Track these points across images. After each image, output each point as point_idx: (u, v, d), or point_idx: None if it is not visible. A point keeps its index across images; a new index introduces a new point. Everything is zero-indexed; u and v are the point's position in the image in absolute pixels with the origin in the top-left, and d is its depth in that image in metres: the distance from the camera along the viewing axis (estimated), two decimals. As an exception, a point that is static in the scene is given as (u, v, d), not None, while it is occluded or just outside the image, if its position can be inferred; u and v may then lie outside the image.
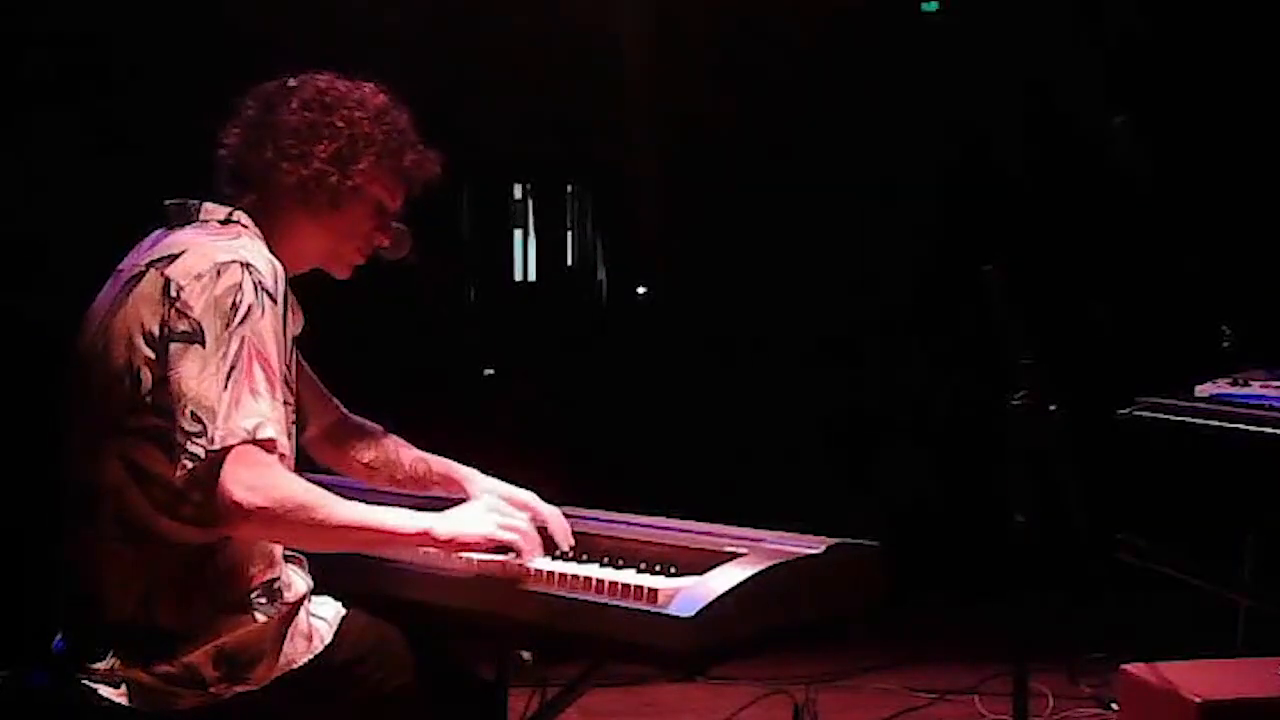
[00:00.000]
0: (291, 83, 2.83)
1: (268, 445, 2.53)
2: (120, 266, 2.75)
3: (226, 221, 2.73)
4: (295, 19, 5.31)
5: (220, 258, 2.60)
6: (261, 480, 2.52)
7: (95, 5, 5.34)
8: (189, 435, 2.51)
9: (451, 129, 6.07)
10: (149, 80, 5.22)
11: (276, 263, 2.67)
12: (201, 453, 2.50)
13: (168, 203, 2.77)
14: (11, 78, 5.23)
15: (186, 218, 2.74)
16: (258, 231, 2.74)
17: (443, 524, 2.73)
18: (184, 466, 2.51)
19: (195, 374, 2.52)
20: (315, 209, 2.79)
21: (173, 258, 2.63)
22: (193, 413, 2.51)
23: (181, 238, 2.69)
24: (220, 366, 2.52)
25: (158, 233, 2.76)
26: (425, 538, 2.72)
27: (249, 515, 2.50)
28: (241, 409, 2.51)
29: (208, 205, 2.75)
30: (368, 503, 2.74)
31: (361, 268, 2.97)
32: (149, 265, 2.65)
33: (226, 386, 2.51)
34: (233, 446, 2.49)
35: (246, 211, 2.76)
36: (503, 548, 2.76)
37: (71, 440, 2.69)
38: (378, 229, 2.88)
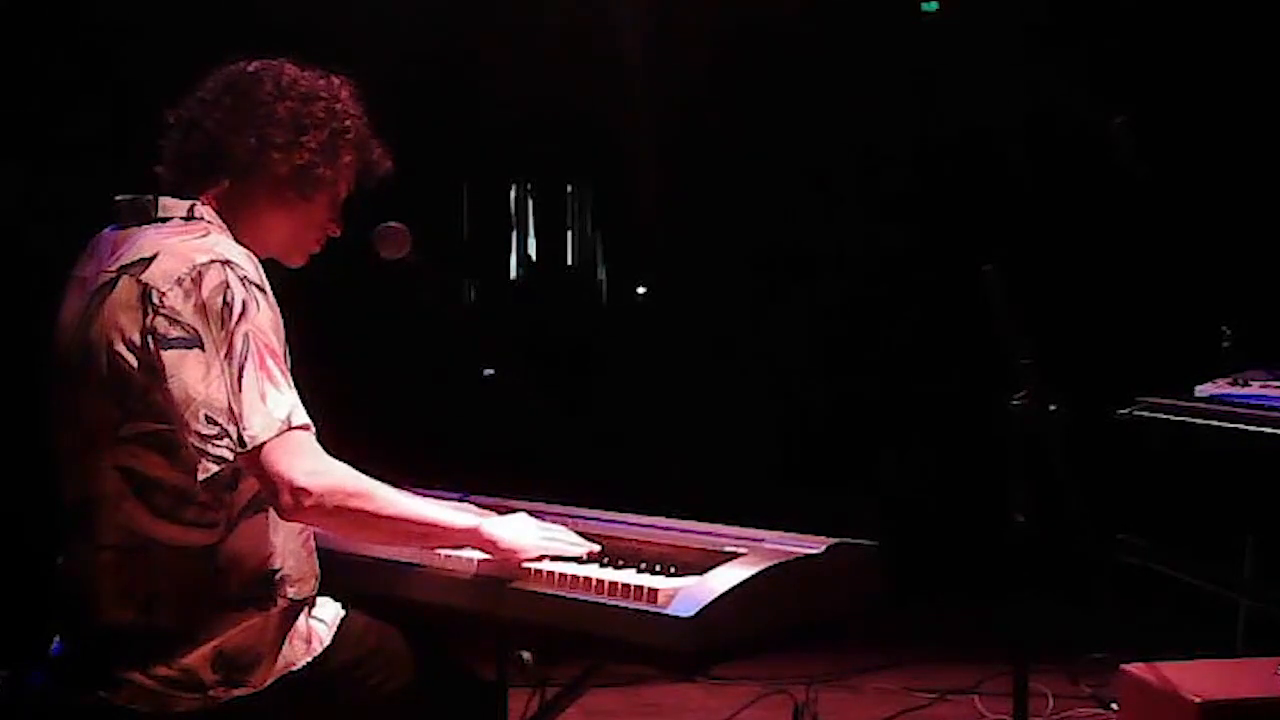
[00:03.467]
0: (252, 67, 2.78)
1: (306, 430, 2.53)
2: (81, 274, 2.69)
3: (189, 218, 2.68)
4: (294, 18, 5.30)
5: (198, 259, 2.56)
6: (319, 464, 2.52)
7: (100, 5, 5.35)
8: (207, 439, 2.49)
9: (451, 129, 6.11)
10: (149, 74, 5.22)
11: (252, 255, 2.65)
12: (229, 454, 2.49)
13: (118, 199, 2.71)
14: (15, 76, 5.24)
15: (143, 215, 2.68)
16: (222, 225, 2.70)
17: (490, 525, 2.76)
18: (206, 469, 2.49)
19: (200, 378, 2.51)
20: (287, 198, 2.75)
21: (145, 262, 2.58)
22: (207, 416, 2.49)
23: (147, 239, 2.63)
24: (226, 367, 2.51)
25: (109, 233, 2.71)
26: (474, 534, 2.73)
27: (317, 498, 2.50)
28: (269, 402, 2.50)
29: (165, 200, 2.69)
30: None
31: (361, 267, 2.97)
32: (120, 271, 2.59)
33: (240, 385, 2.50)
34: (271, 439, 2.48)
35: (212, 200, 2.71)
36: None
37: (61, 455, 2.66)
38: (332, 219, 2.85)
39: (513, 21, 6.13)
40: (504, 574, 2.74)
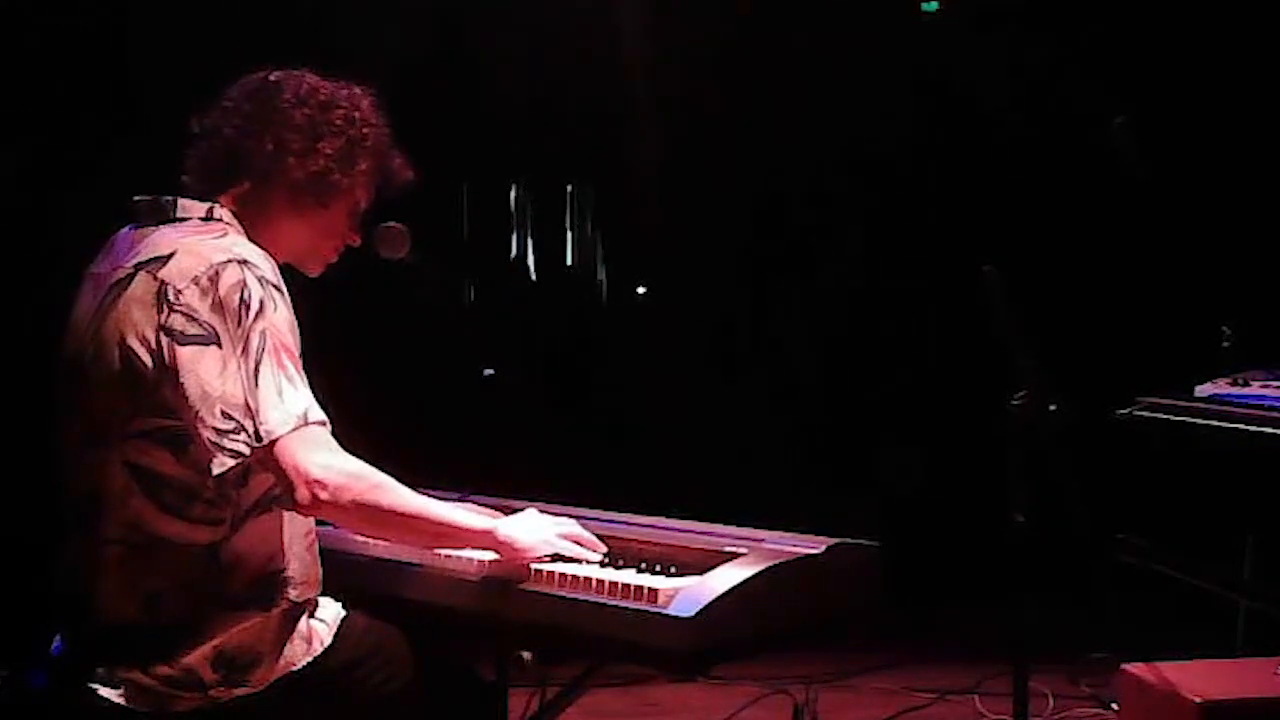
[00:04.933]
0: (274, 77, 2.81)
1: (323, 425, 2.55)
2: (96, 270, 2.72)
3: (208, 219, 2.70)
4: (293, 17, 5.31)
5: (216, 258, 2.58)
6: (336, 459, 2.54)
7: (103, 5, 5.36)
8: (223, 433, 2.50)
9: (451, 129, 6.11)
10: (154, 76, 5.23)
11: (269, 255, 2.67)
12: (246, 449, 2.50)
13: (136, 199, 2.74)
14: (14, 74, 5.24)
15: (161, 215, 2.71)
16: (240, 228, 2.72)
17: (505, 527, 2.76)
18: (222, 464, 2.51)
19: (217, 374, 2.52)
20: (304, 205, 2.78)
21: (163, 259, 2.60)
22: (223, 411, 2.50)
23: (165, 237, 2.65)
24: (243, 364, 2.52)
25: (127, 232, 2.73)
26: (488, 537, 2.74)
27: (334, 492, 2.51)
28: (286, 398, 2.52)
29: (184, 201, 2.72)
30: None
31: (362, 267, 2.97)
32: (136, 268, 2.62)
33: (257, 381, 2.51)
34: (288, 433, 2.50)
35: (231, 203, 2.73)
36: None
37: (68, 449, 2.67)
38: (350, 228, 2.88)
39: (513, 21, 6.13)
40: (506, 575, 2.74)
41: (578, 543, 2.82)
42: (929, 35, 6.49)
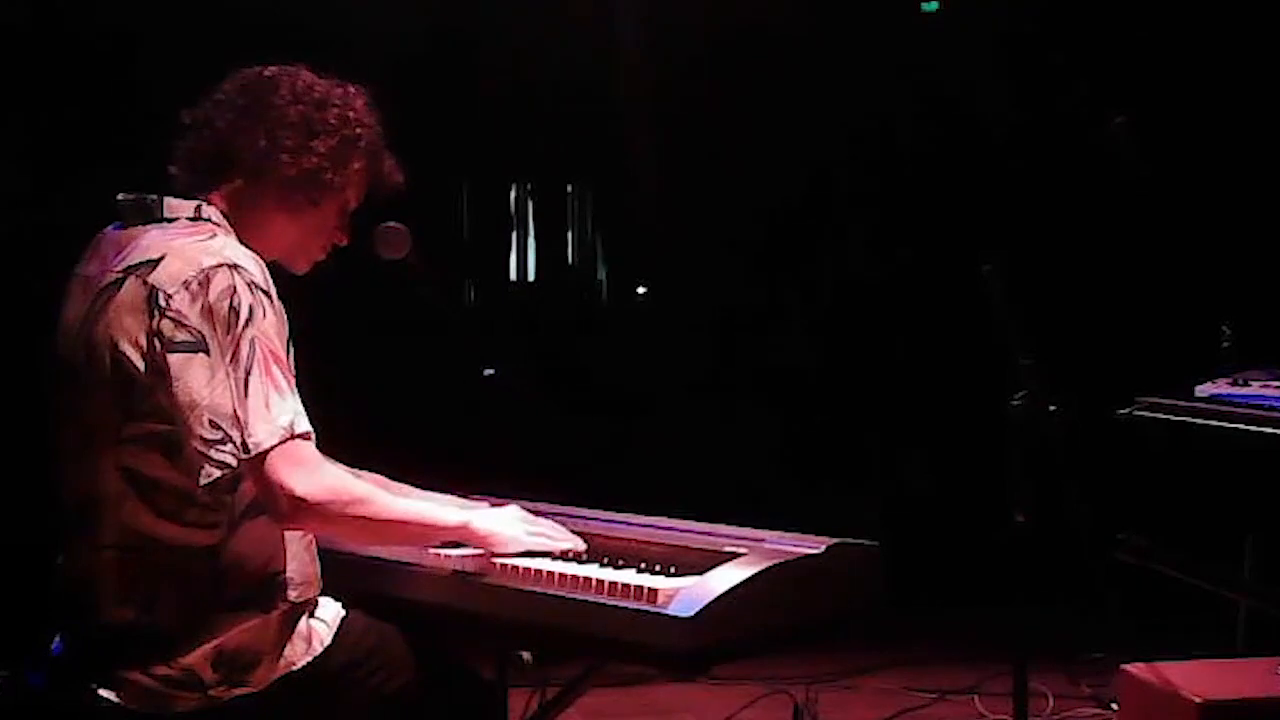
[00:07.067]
0: (268, 72, 2.79)
1: (307, 438, 2.55)
2: (84, 272, 2.70)
3: (196, 218, 2.68)
4: (294, 15, 5.31)
5: (206, 262, 2.57)
6: (317, 473, 2.55)
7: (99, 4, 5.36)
8: (210, 443, 2.50)
9: (451, 129, 6.11)
10: (152, 75, 5.23)
11: (259, 258, 2.65)
12: (232, 460, 2.50)
13: (121, 198, 2.71)
14: (14, 72, 5.24)
15: (147, 215, 2.68)
16: (228, 227, 2.70)
17: (480, 520, 2.78)
18: (209, 475, 2.50)
19: (205, 382, 2.51)
20: (295, 203, 2.76)
21: (152, 264, 2.58)
22: (211, 421, 2.50)
23: (154, 240, 2.63)
24: (232, 372, 2.52)
25: (113, 232, 2.71)
26: (465, 530, 2.76)
27: (313, 508, 2.52)
28: (273, 409, 2.52)
29: (170, 201, 2.70)
30: None
31: (362, 267, 2.97)
32: (125, 272, 2.60)
33: (246, 391, 2.51)
34: (275, 446, 2.50)
35: (220, 200, 2.72)
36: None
37: (63, 453, 2.67)
38: (339, 227, 2.87)
39: (513, 21, 6.13)
40: (504, 574, 2.74)
41: (550, 537, 2.84)
42: (929, 35, 6.49)
